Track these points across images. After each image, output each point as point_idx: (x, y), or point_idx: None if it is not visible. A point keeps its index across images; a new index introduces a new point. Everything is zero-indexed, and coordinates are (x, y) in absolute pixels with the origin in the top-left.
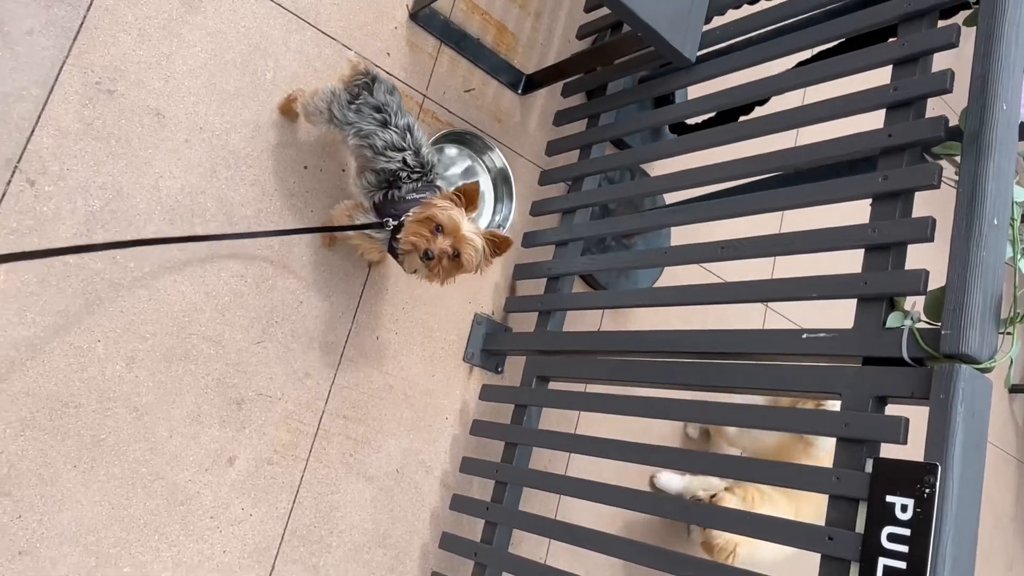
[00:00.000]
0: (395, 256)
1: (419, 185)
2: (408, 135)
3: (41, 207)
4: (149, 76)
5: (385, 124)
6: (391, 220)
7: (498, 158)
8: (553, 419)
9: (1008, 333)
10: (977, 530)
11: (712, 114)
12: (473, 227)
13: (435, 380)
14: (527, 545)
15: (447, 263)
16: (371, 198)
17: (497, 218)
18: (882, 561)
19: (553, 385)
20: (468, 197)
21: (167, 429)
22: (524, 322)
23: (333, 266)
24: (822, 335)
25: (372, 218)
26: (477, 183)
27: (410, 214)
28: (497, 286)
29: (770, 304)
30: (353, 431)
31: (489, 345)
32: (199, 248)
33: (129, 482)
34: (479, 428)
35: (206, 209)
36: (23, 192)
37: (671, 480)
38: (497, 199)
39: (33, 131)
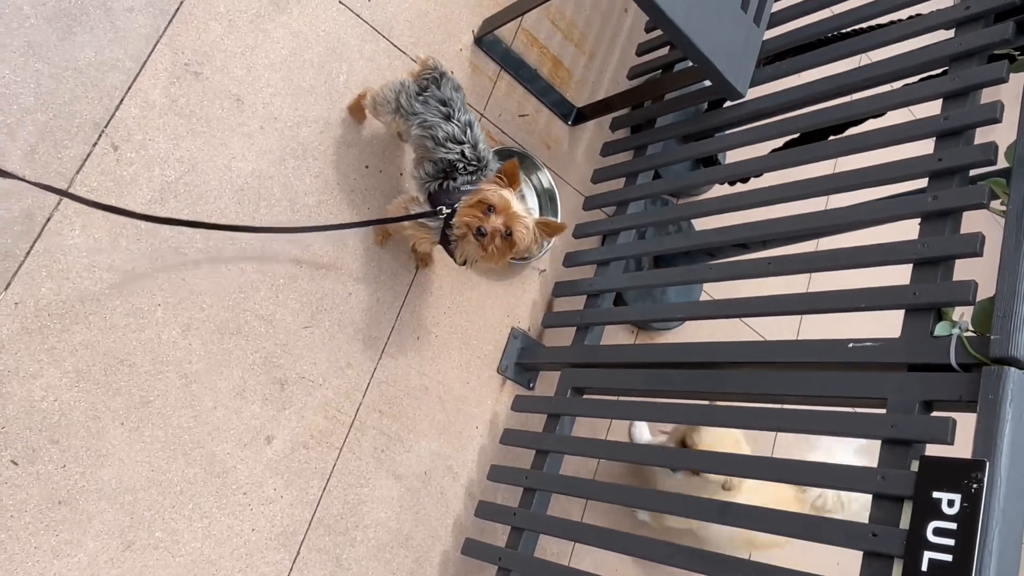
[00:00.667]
0: (447, 246)
1: (473, 178)
2: (468, 130)
3: (122, 171)
4: (233, 64)
5: (448, 117)
6: (444, 208)
7: (545, 178)
8: (584, 431)
9: None
10: (1023, 527)
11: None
12: (523, 206)
13: (469, 387)
14: (550, 553)
15: (500, 242)
16: (427, 189)
17: None
18: (927, 555)
19: (586, 398)
20: (509, 176)
21: (212, 400)
22: (559, 339)
23: (383, 263)
24: (868, 344)
25: (427, 208)
26: (515, 160)
27: (462, 202)
28: (535, 303)
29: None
30: (387, 427)
31: (523, 359)
32: (263, 225)
33: (171, 447)
34: (509, 437)
35: (272, 194)
36: (106, 155)
37: (642, 432)
38: (543, 215)
39: (122, 100)
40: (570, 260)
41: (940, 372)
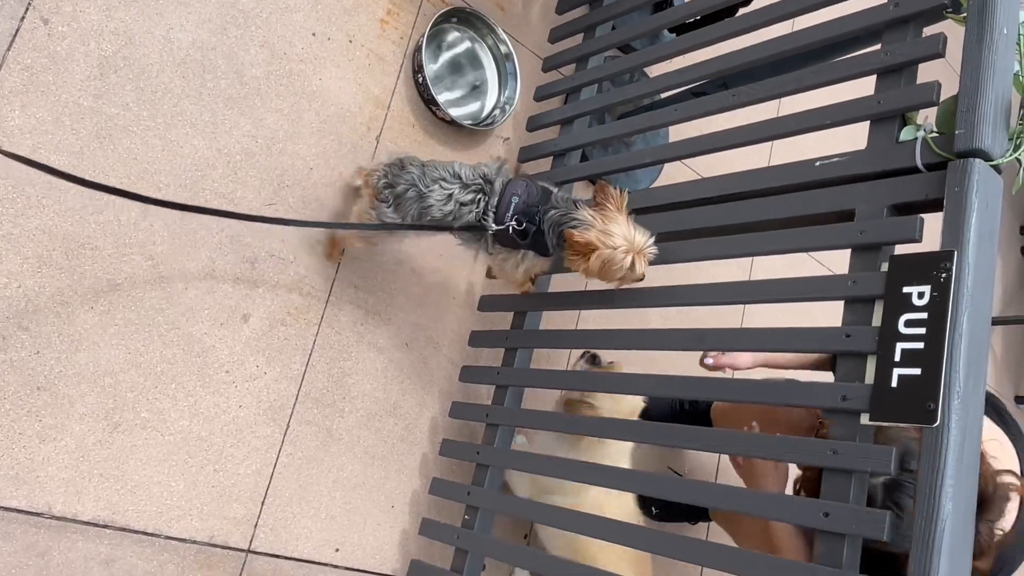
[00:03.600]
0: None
1: (494, 201)
2: (442, 183)
3: (55, 46)
4: None
5: (421, 196)
6: (492, 225)
7: (500, 40)
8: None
9: (1018, 138)
10: (990, 315)
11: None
12: (643, 236)
13: (442, 259)
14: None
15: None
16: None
17: (502, 98)
18: (900, 346)
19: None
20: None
21: (182, 281)
22: None
23: (342, 136)
24: (835, 159)
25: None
26: (606, 186)
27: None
28: None
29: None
30: (364, 301)
31: None
32: (210, 101)
33: (146, 329)
34: (487, 303)
35: (216, 66)
36: (36, 30)
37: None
38: (501, 81)
39: None
40: (533, 123)
41: (907, 175)
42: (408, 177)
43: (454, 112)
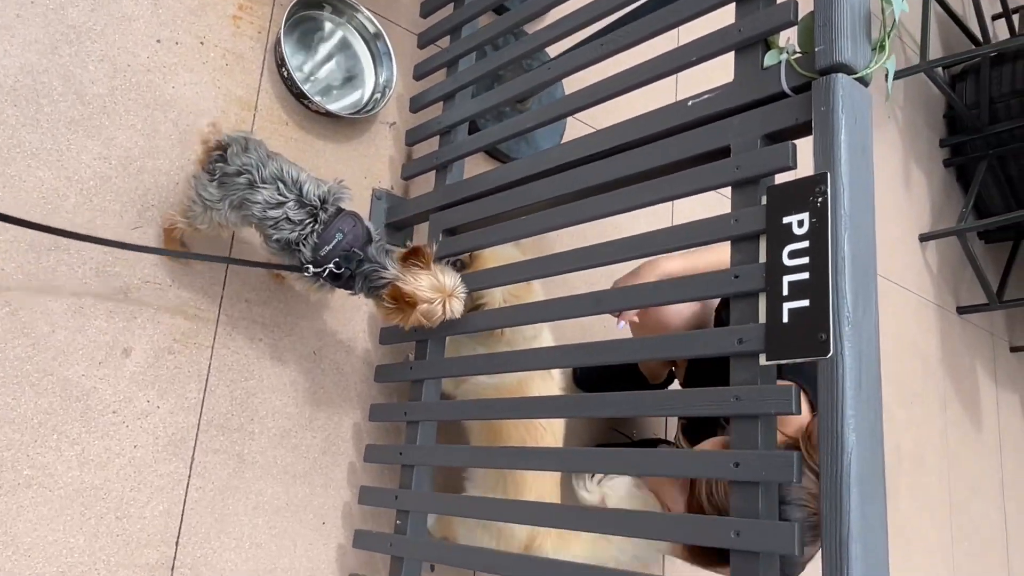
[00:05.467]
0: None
1: (318, 226)
2: (281, 184)
3: None
4: None
5: (252, 184)
6: (311, 268)
7: (366, 19)
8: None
9: (880, 48)
10: (873, 234)
11: None
12: (452, 279)
13: None
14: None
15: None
16: (299, 259)
17: (380, 81)
18: (786, 279)
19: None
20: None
21: (48, 324)
22: (426, 189)
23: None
24: (706, 96)
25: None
26: (418, 247)
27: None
28: (392, 159)
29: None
30: (258, 314)
31: (392, 218)
32: (50, 127)
33: (13, 381)
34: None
35: (52, 88)
36: None
37: None
38: (376, 64)
39: None
40: (415, 103)
41: (776, 102)
42: (247, 161)
43: (333, 106)
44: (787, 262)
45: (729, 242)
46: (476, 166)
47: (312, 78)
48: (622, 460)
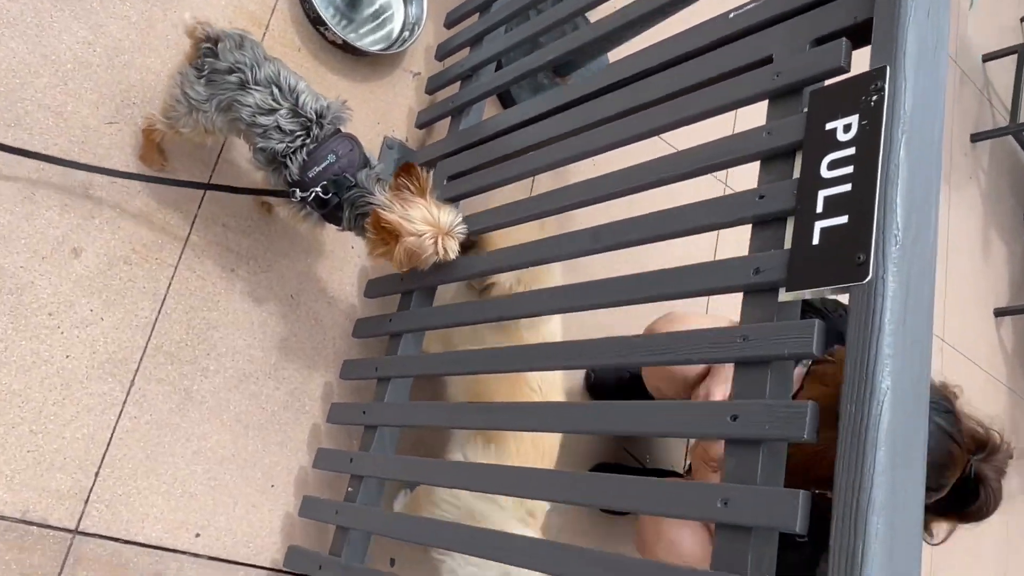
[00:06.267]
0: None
1: (312, 144)
2: (276, 89)
3: None
4: None
5: (244, 85)
6: (297, 191)
7: None
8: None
9: None
10: (940, 144)
11: None
12: (450, 215)
13: None
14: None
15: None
16: (284, 179)
17: (410, 18)
18: (822, 193)
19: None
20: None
21: None
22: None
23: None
24: (750, 5)
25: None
26: (410, 165)
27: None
28: (411, 110)
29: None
30: (235, 243)
31: None
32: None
33: None
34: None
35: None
36: None
37: None
38: (407, 2)
39: None
40: (442, 49)
41: (828, 4)
42: (240, 59)
43: (355, 39)
44: (826, 173)
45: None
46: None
47: (335, 4)
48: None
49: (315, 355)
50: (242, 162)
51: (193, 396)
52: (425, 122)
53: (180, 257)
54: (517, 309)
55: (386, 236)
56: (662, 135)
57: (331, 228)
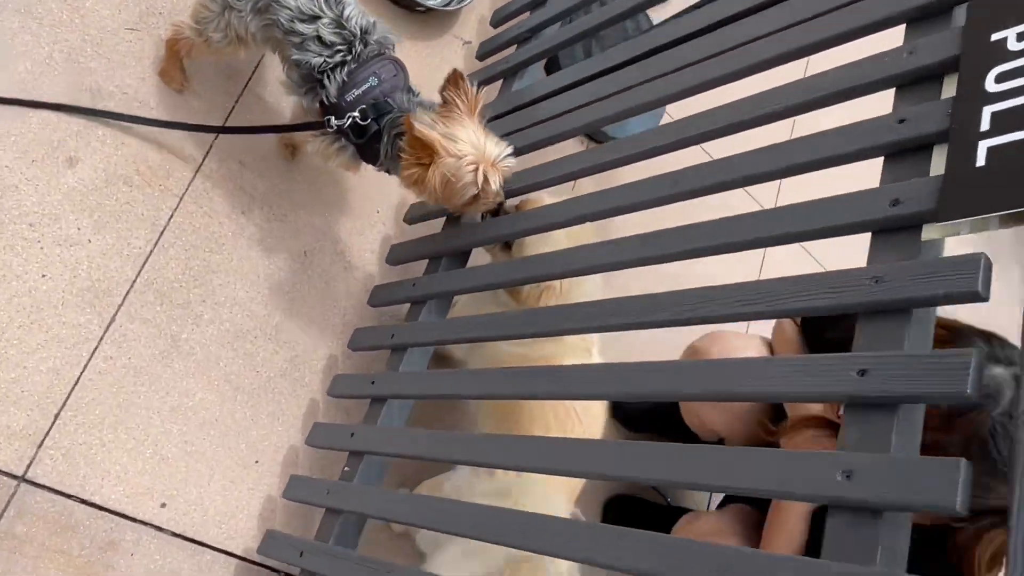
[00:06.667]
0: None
1: (355, 66)
2: None
3: None
4: None
5: None
6: (332, 119)
7: None
8: None
9: None
10: None
11: None
12: (496, 145)
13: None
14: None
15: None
16: (315, 103)
17: None
18: (987, 110)
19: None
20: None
21: None
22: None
23: None
24: None
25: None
26: (458, 73)
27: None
28: None
29: None
30: (251, 184)
31: None
32: None
33: None
34: (416, 212)
35: None
36: None
37: None
38: None
39: None
40: (499, 15)
41: None
42: None
43: None
44: (992, 88)
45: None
46: None
47: None
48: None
49: (322, 322)
50: (270, 97)
51: (180, 345)
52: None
53: (187, 188)
54: (567, 265)
55: (421, 154)
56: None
57: (358, 184)
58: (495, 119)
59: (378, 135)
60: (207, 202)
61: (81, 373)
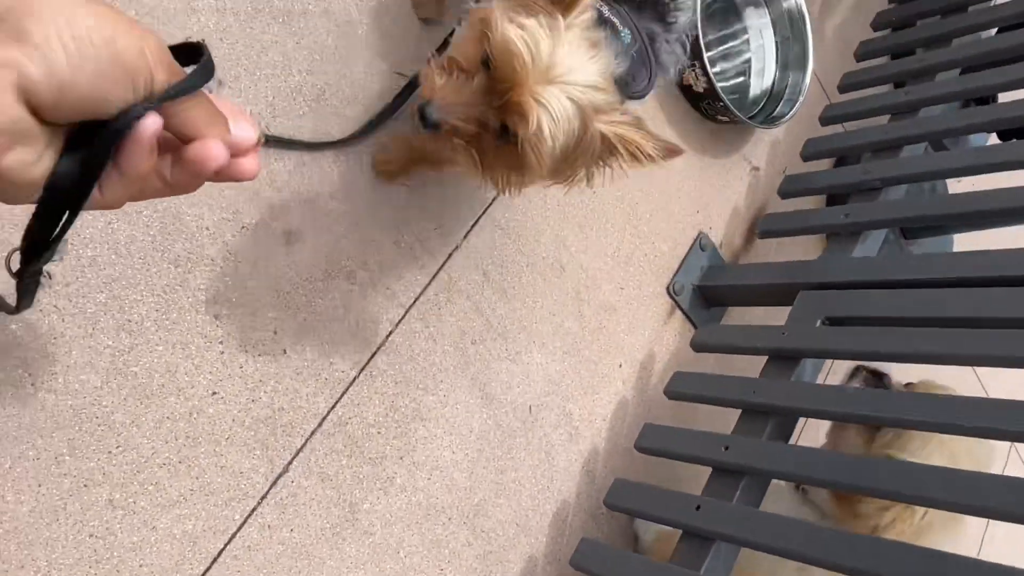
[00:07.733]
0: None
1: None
2: None
3: None
4: None
5: None
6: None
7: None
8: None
9: None
10: None
11: None
12: (591, 62)
13: (622, 296)
14: None
15: (478, 147)
16: None
17: (784, 82)
18: None
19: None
20: None
21: None
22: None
23: None
24: None
25: None
26: None
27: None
28: (736, 211)
29: None
30: (489, 304)
31: (707, 281)
32: None
33: None
34: (684, 383)
35: None
36: None
37: None
38: (783, 63)
39: None
40: (809, 148)
41: None
42: None
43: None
44: None
45: None
46: None
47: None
48: None
49: (532, 511)
50: None
51: (359, 518)
52: (769, 232)
53: (416, 299)
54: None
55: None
56: None
57: (599, 328)
58: (816, 288)
59: None
60: (435, 321)
61: (225, 546)
